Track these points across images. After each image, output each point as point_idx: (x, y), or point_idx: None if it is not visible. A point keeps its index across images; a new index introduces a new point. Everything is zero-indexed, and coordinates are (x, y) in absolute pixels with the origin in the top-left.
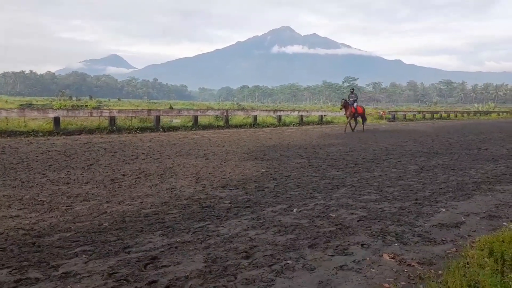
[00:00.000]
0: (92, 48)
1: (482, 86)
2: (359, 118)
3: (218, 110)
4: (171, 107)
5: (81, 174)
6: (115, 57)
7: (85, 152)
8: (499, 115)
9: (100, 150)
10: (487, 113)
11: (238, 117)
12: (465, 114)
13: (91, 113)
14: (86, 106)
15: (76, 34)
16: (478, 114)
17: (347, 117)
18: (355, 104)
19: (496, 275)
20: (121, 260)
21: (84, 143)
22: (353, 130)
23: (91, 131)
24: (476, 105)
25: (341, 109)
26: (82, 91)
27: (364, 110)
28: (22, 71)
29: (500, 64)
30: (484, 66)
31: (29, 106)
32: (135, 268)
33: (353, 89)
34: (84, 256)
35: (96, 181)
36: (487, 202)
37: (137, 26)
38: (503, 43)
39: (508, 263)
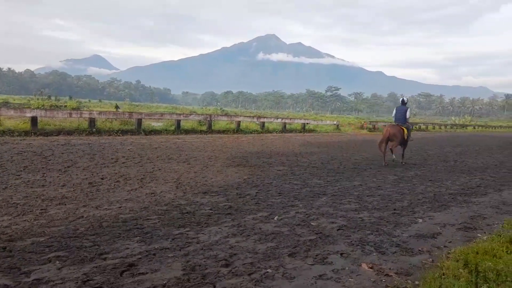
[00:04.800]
0: (74, 47)
1: (460, 100)
2: None
3: (201, 114)
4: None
5: (58, 176)
6: (98, 57)
7: (62, 153)
8: (474, 128)
9: (79, 152)
10: (463, 126)
11: (222, 123)
12: (442, 127)
13: (70, 113)
14: (66, 106)
15: (57, 33)
16: (455, 127)
17: None
18: None
19: (470, 287)
20: (96, 267)
21: (62, 145)
22: None
23: (69, 132)
24: (453, 118)
25: None
26: (62, 91)
27: None
28: (0, 68)
29: (477, 79)
30: (462, 81)
31: (6, 104)
32: (110, 275)
33: None
34: (57, 262)
35: (73, 184)
36: (463, 213)
37: (121, 28)
38: (480, 59)
39: (482, 275)
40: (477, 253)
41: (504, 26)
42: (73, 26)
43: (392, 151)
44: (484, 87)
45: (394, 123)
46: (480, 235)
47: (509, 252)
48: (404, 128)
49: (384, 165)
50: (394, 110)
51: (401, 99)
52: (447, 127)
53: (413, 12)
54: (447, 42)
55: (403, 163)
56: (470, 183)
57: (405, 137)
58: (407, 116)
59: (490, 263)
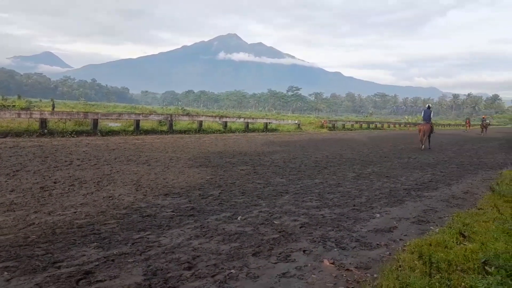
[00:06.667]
0: (23, 43)
1: (412, 100)
2: None
3: (161, 114)
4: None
5: (6, 181)
6: (49, 54)
7: (10, 157)
8: None
9: (29, 155)
10: (416, 124)
11: (183, 123)
12: (397, 125)
13: (19, 114)
14: (14, 106)
15: (3, 28)
16: (408, 125)
17: None
18: None
19: (424, 277)
20: (49, 276)
21: (10, 147)
22: None
23: (18, 134)
24: (406, 117)
25: None
26: (10, 90)
27: None
28: None
29: (428, 80)
30: (414, 81)
31: None
32: (65, 285)
33: None
34: (6, 273)
35: (23, 189)
36: (416, 207)
37: (74, 23)
38: (430, 61)
39: (435, 265)
40: (430, 245)
41: (450, 30)
42: (20, 19)
43: (429, 142)
44: (434, 87)
45: (423, 122)
46: (432, 228)
47: (459, 243)
48: (430, 125)
49: (421, 148)
50: (422, 112)
51: (427, 105)
52: (401, 125)
53: (368, 15)
54: (400, 45)
55: (430, 148)
56: (422, 178)
57: (431, 131)
58: (431, 117)
59: (442, 254)
